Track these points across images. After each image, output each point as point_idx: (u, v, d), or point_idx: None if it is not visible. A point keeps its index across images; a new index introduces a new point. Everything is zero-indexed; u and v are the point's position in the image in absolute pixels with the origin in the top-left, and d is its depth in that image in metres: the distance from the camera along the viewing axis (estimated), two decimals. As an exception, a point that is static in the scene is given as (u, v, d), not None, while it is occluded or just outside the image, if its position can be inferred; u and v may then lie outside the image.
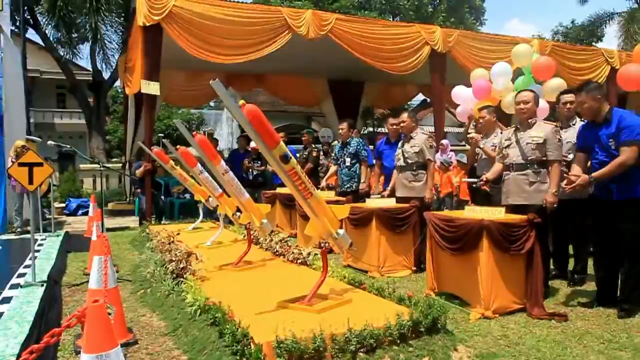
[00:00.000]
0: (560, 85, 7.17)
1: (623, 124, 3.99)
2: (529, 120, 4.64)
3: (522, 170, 4.59)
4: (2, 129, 8.94)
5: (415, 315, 3.24)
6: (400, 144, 6.24)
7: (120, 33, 17.41)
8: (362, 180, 7.40)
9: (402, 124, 6.21)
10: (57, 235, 8.11)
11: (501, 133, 5.33)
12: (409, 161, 6.00)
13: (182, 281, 4.37)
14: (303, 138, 10.20)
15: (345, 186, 7.41)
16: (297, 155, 9.88)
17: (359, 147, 7.42)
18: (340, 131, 7.57)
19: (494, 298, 4.03)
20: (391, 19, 24.95)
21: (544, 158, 4.50)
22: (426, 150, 5.96)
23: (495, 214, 4.22)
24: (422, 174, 6.00)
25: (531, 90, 4.85)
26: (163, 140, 9.44)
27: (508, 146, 4.74)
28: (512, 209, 4.50)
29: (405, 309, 3.43)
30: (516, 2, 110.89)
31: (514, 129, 4.81)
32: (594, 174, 4.03)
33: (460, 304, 4.26)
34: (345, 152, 7.44)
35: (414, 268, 5.73)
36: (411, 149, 5.99)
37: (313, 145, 10.17)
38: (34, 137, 9.67)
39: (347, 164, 7.39)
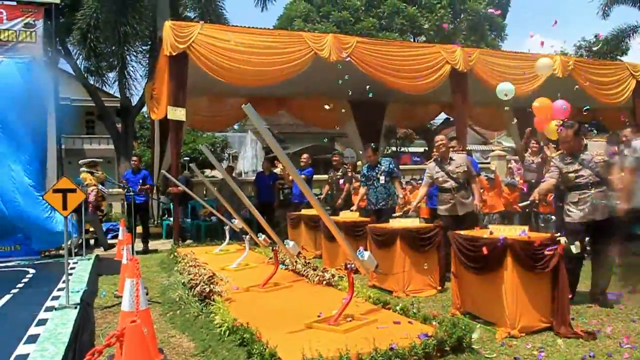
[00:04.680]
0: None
1: None
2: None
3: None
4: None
5: (440, 334, 3.27)
6: (437, 169, 6.35)
7: (147, 61, 17.92)
8: (399, 196, 7.50)
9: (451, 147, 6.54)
10: (89, 259, 8.30)
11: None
12: (460, 180, 6.21)
13: (210, 303, 4.47)
14: (334, 159, 10.15)
15: (381, 204, 7.45)
16: (329, 176, 9.90)
17: (391, 165, 7.55)
18: (367, 158, 7.70)
19: (520, 316, 4.02)
20: (412, 39, 25.09)
21: None
22: (471, 168, 6.34)
23: (518, 232, 4.24)
24: (470, 189, 6.29)
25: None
26: (190, 164, 9.65)
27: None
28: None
29: (430, 328, 3.46)
30: (537, 17, 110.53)
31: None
32: None
33: (485, 323, 4.26)
34: (377, 171, 7.52)
35: (439, 288, 5.73)
36: (457, 169, 6.21)
37: (345, 166, 10.11)
38: (97, 159, 10.20)
39: (382, 181, 7.44)
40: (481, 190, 6.83)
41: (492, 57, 11.10)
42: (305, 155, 10.60)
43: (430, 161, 6.80)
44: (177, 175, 9.48)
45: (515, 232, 4.27)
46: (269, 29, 10.62)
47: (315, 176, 10.88)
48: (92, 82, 17.98)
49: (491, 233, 4.43)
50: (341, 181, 9.44)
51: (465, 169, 6.21)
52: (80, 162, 10.40)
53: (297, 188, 9.81)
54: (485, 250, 4.16)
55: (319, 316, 3.89)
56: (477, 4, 25.83)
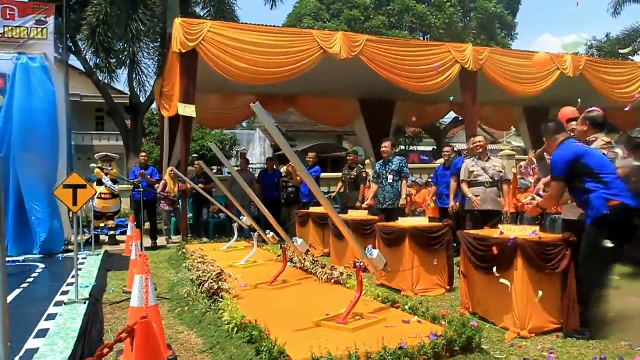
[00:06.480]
0: None
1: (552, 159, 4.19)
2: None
3: None
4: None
5: (450, 334, 3.25)
6: (473, 163, 6.60)
7: (156, 58, 17.96)
8: (402, 196, 7.50)
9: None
10: (98, 254, 8.34)
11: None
12: (495, 178, 6.49)
13: (219, 300, 4.48)
14: (349, 158, 10.08)
15: (388, 203, 7.45)
16: (343, 174, 9.83)
17: (401, 164, 7.55)
18: (384, 149, 7.67)
19: (530, 317, 3.99)
20: (422, 38, 25.02)
21: None
22: (506, 172, 6.69)
23: (529, 232, 4.21)
24: (500, 191, 6.57)
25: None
26: (198, 161, 9.66)
27: None
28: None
29: (439, 327, 3.44)
30: (548, 17, 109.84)
31: None
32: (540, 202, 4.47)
33: (495, 323, 4.23)
34: (387, 169, 7.52)
35: (448, 287, 5.71)
36: (494, 168, 6.52)
37: (360, 166, 10.06)
38: (113, 155, 10.33)
39: (390, 180, 7.48)
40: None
41: (503, 56, 11.02)
42: (311, 154, 10.60)
43: (467, 158, 7.02)
44: (187, 172, 9.50)
45: (525, 232, 4.25)
46: (278, 26, 10.61)
47: (322, 174, 10.86)
48: (101, 78, 18.04)
49: (502, 233, 4.40)
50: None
51: (501, 170, 6.55)
52: (97, 156, 10.49)
53: (305, 187, 9.80)
54: (495, 250, 4.14)
55: (327, 314, 3.89)
56: (487, 3, 25.71)
